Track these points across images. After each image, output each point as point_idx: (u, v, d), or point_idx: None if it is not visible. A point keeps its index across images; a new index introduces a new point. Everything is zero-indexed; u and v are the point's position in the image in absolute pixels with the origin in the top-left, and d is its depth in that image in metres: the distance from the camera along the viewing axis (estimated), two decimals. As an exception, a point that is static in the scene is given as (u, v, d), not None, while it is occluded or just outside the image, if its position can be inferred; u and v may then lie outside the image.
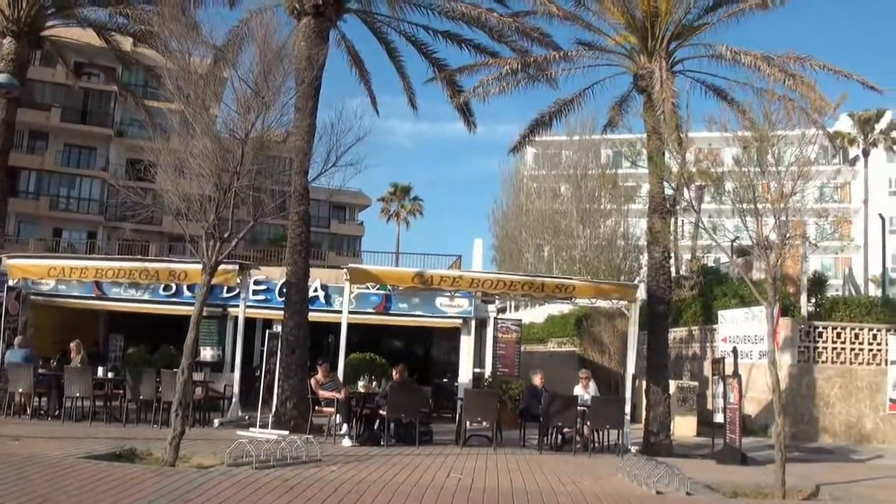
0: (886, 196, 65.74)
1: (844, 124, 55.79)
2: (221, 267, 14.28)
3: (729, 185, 14.03)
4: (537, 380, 18.71)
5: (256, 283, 23.09)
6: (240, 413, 19.13)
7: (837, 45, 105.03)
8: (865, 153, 58.09)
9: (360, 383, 18.26)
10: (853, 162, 58.03)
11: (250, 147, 13.44)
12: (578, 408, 17.39)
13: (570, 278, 21.69)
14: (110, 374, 18.84)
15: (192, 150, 13.42)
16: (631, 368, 18.87)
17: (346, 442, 16.11)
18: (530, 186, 45.77)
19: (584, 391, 18.59)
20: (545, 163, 46.35)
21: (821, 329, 21.58)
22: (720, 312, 23.99)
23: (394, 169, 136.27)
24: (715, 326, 24.67)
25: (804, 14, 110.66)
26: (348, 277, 18.39)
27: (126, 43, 31.95)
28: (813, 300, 22.77)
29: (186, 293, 22.76)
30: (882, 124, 57.70)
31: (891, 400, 21.24)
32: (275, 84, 13.94)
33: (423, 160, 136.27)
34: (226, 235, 13.30)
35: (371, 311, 23.62)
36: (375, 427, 16.94)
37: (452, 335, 24.67)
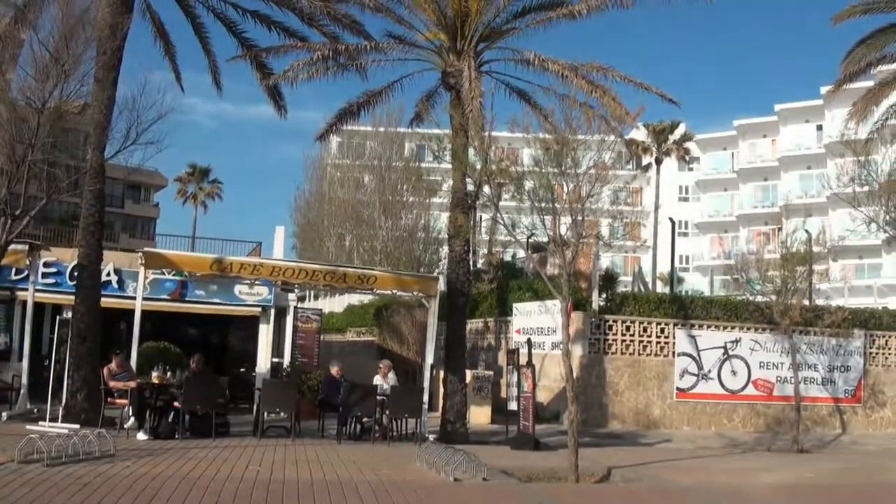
0: (676, 202, 70.44)
1: (640, 133, 59.06)
2: (11, 247, 13.42)
3: (529, 185, 14.54)
4: (335, 370, 18.78)
5: (46, 265, 21.56)
6: (28, 405, 17.96)
7: (641, 59, 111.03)
8: (658, 161, 61.63)
9: (154, 373, 17.59)
10: (646, 169, 61.53)
11: (47, 118, 12.69)
12: (378, 397, 17.57)
13: (373, 269, 21.83)
14: None
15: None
16: (429, 359, 19.24)
17: (141, 435, 15.54)
18: (334, 175, 45.70)
19: (384, 381, 18.78)
20: (350, 152, 46.39)
21: (611, 322, 22.70)
22: (515, 305, 24.84)
23: (192, 149, 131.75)
24: (509, 318, 25.51)
25: (610, 28, 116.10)
26: (143, 262, 17.65)
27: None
28: (604, 295, 23.90)
29: (-27, 276, 21.08)
30: (675, 135, 61.43)
31: (678, 389, 22.72)
32: (76, 51, 13.25)
33: (224, 142, 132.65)
34: (17, 212, 12.50)
35: (166, 297, 22.81)
36: (170, 419, 16.42)
37: (251, 324, 24.23)
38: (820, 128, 60.19)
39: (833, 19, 26.44)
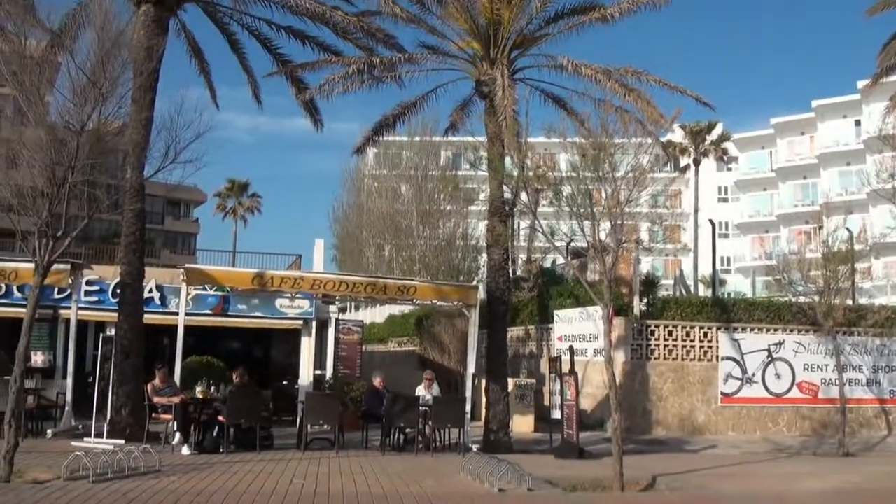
0: (715, 202, 70.00)
1: (677, 135, 58.73)
2: (53, 267, 13.58)
3: (567, 191, 14.50)
4: (378, 381, 18.81)
5: (89, 283, 21.84)
6: (73, 422, 18.16)
7: (675, 59, 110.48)
8: (696, 162, 61.25)
9: (198, 388, 17.70)
10: (684, 170, 61.00)
11: (86, 140, 12.87)
12: (420, 408, 17.58)
13: (412, 280, 21.83)
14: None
15: (24, 141, 12.76)
16: (471, 368, 19.20)
17: (185, 450, 15.68)
18: (371, 186, 45.82)
19: (427, 391, 18.80)
20: (386, 163, 46.47)
21: (653, 327, 22.44)
22: (556, 312, 24.71)
23: (231, 163, 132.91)
24: (551, 325, 25.38)
25: (644, 28, 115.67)
26: (185, 278, 17.86)
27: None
28: (645, 300, 23.67)
29: (17, 294, 21.24)
30: (713, 135, 60.98)
31: (722, 394, 22.43)
32: (112, 74, 13.40)
33: (262, 155, 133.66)
34: (59, 233, 12.68)
35: (208, 312, 23.01)
36: (215, 433, 16.55)
37: (293, 337, 24.32)
38: (858, 123, 59.47)
39: (868, 11, 26.16)
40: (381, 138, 23.89)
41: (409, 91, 21.76)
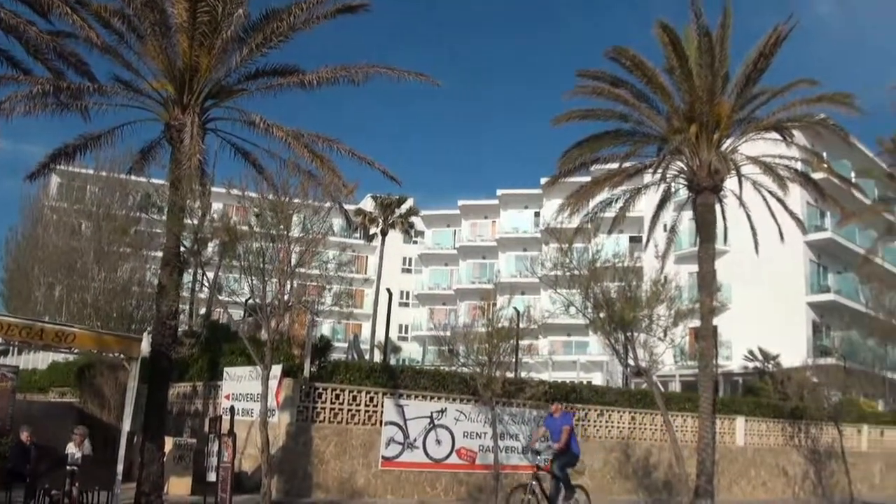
0: (400, 272, 72.65)
1: (368, 204, 60.56)
2: None
3: (239, 248, 14.36)
4: (24, 435, 17.46)
5: None
6: None
7: (384, 133, 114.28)
8: (384, 233, 63.06)
9: None
10: (371, 239, 62.80)
11: None
12: (69, 467, 16.37)
13: (72, 326, 20.43)
14: None
15: None
16: (127, 425, 18.15)
17: None
18: (50, 218, 42.73)
19: (77, 449, 17.54)
20: (69, 195, 43.59)
21: (321, 390, 22.50)
22: (226, 369, 24.12)
23: None
24: (220, 383, 24.73)
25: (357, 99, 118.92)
26: None
27: None
28: (317, 363, 23.75)
29: None
30: (402, 209, 63.27)
31: (383, 457, 22.84)
32: None
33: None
34: None
35: None
36: None
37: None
38: (538, 214, 64.52)
39: (553, 121, 28.35)
40: (57, 167, 22.45)
41: (99, 123, 20.74)
